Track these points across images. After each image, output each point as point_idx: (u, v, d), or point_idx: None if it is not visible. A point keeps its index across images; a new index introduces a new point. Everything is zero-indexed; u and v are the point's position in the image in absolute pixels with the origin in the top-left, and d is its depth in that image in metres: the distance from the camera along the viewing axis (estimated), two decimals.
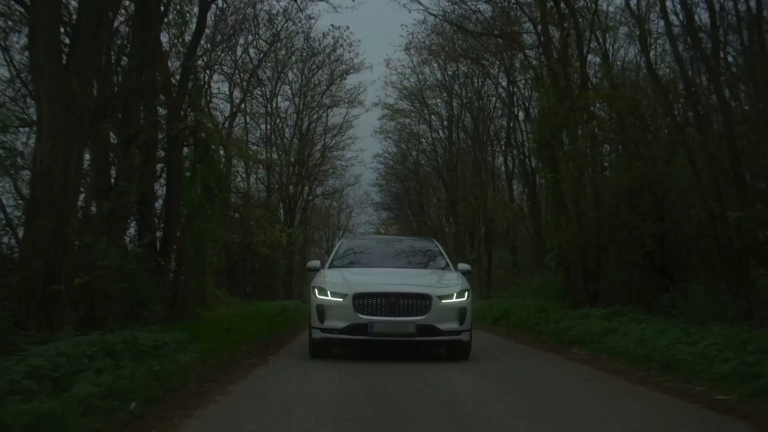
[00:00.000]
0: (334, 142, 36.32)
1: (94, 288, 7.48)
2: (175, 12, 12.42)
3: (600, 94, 11.82)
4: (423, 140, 36.29)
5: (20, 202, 8.82)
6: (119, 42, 9.98)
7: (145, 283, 8.83)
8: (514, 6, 16.56)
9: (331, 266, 9.80)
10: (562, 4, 14.29)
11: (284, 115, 32.42)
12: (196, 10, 12.83)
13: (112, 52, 9.34)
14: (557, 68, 14.21)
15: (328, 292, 8.63)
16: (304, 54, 29.69)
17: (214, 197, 13.85)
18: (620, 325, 9.66)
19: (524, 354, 9.82)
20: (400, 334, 8.33)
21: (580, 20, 14.79)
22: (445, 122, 33.47)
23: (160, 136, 11.20)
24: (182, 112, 11.99)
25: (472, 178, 28.82)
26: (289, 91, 32.30)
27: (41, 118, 7.24)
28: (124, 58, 10.29)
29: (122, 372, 5.13)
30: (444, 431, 4.44)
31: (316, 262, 10.05)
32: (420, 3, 17.65)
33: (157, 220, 11.97)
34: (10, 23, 9.32)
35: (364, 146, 45.23)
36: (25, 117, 9.08)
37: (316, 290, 8.81)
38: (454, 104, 31.08)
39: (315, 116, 33.71)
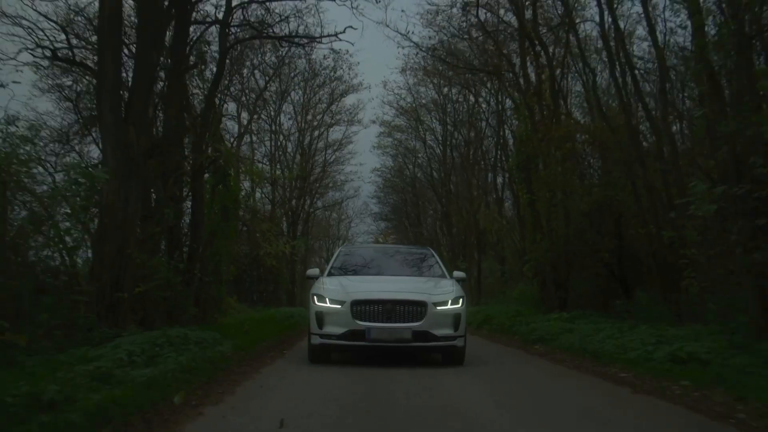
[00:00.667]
0: (334, 157, 38.27)
1: (148, 296, 9.41)
2: (197, 55, 14.41)
3: (560, 131, 13.74)
4: (419, 155, 38.18)
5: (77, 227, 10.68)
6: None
7: (182, 291, 10.76)
8: (491, 46, 18.57)
9: (330, 274, 10.07)
10: (538, 47, 16.27)
11: (287, 133, 34.31)
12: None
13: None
14: (531, 102, 16.20)
15: (327, 299, 8.89)
16: (306, 75, 31.55)
17: (230, 216, 15.80)
18: (576, 326, 11.53)
19: (497, 351, 11.69)
20: (396, 340, 8.56)
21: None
22: (439, 138, 35.40)
23: (187, 167, 13.10)
24: (204, 144, 13.93)
25: (466, 192, 30.71)
26: (292, 110, 34.24)
27: (107, 161, 9.19)
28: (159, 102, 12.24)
29: (185, 357, 7.04)
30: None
31: (315, 270, 10.40)
32: (410, 40, 19.60)
33: (183, 238, 13.87)
34: (80, 86, 11.26)
35: (363, 160, 47.05)
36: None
37: (315, 297, 9.07)
38: (448, 122, 32.98)
39: (316, 133, 35.62)
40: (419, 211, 42.83)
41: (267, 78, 27.99)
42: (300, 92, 33.41)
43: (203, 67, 14.13)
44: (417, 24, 20.32)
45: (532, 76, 16.92)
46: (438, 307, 8.71)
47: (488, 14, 17.97)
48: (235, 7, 14.25)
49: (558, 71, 16.48)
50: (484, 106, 28.19)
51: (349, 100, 32.35)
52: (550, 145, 14.00)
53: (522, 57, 17.00)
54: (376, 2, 17.13)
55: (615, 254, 14.17)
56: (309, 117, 34.40)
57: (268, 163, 32.61)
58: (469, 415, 5.29)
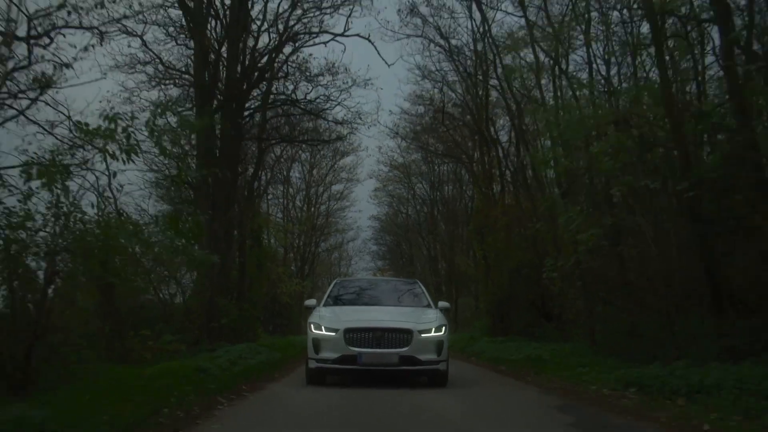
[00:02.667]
0: (337, 205, 44.28)
1: (231, 324, 15.34)
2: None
3: (492, 213, 19.69)
4: (410, 205, 44.19)
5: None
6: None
7: (241, 322, 16.69)
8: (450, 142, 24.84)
9: (326, 304, 10.91)
10: (489, 142, 22.35)
11: (296, 188, 40.25)
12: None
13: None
14: (482, 184, 22.24)
15: (323, 327, 9.67)
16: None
17: (263, 268, 21.80)
18: (503, 345, 17.25)
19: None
20: (385, 364, 9.33)
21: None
22: (427, 191, 41.38)
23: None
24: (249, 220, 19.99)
25: (447, 240, 36.62)
26: (301, 167, 40.17)
27: (203, 244, 15.13)
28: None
29: (260, 358, 12.87)
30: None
31: (312, 301, 11.39)
32: (397, 133, 25.80)
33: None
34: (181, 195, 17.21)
35: (362, 207, 52.45)
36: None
37: (312, 325, 9.91)
38: (433, 180, 38.99)
39: (321, 188, 41.62)
40: (412, 251, 48.59)
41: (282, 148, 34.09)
42: (308, 153, 39.42)
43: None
44: (401, 119, 25.82)
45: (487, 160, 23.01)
46: (423, 335, 9.51)
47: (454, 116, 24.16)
48: (270, 122, 20.39)
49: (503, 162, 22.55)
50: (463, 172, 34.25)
51: (350, 159, 38.29)
52: (489, 219, 19.94)
53: (480, 152, 23.09)
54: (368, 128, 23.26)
55: (539, 295, 19.99)
56: (314, 176, 40.45)
57: (281, 214, 38.62)
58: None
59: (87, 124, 8.02)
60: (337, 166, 40.37)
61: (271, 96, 19.68)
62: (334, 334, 9.53)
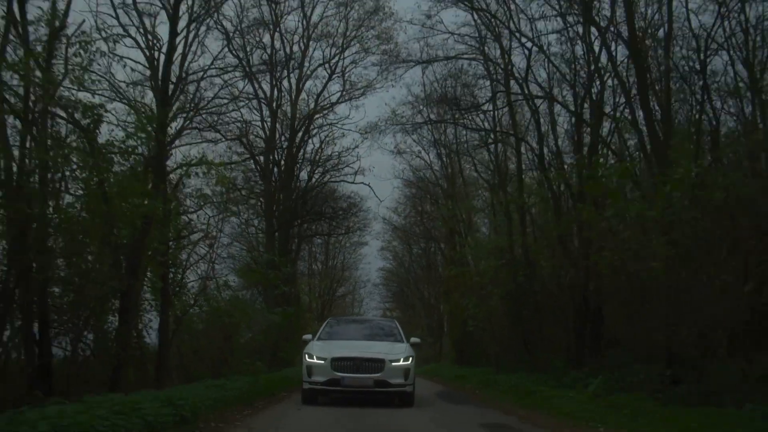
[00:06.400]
0: (351, 257, 54.82)
1: (285, 356, 25.96)
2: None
3: (453, 281, 30.25)
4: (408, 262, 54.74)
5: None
6: None
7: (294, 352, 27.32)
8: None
9: (319, 338, 12.92)
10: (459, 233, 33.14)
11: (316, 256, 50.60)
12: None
13: None
14: (447, 258, 32.94)
15: (314, 356, 11.60)
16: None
17: (301, 317, 32.43)
18: (463, 371, 27.54)
19: (420, 381, 27.84)
20: (362, 386, 11.38)
21: None
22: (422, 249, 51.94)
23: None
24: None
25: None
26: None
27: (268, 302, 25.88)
28: None
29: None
30: None
31: (308, 336, 13.21)
32: (391, 223, 36.73)
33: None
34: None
35: (370, 260, 62.61)
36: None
37: (306, 355, 11.74)
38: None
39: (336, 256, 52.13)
40: (413, 297, 58.92)
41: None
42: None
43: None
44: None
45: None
46: (393, 363, 11.42)
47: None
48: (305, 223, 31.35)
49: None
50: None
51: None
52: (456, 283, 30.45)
53: (448, 240, 33.88)
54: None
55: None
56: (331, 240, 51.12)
57: (305, 269, 49.19)
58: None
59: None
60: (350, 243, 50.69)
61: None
62: (323, 362, 11.55)
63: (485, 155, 26.76)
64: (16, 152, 10.88)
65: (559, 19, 15.96)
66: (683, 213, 9.75)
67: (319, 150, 30.40)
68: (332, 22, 27.84)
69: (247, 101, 26.43)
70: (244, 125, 27.06)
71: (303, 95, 28.91)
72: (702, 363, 9.91)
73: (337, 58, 28.33)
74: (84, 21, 15.29)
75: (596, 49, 15.74)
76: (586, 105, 17.11)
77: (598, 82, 16.27)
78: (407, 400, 11.81)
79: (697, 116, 13.63)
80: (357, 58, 28.34)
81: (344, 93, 29.24)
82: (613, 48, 15.21)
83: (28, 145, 11.10)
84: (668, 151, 11.19)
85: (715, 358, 9.78)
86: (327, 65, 28.58)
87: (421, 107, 25.46)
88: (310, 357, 11.79)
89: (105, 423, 5.85)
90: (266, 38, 26.83)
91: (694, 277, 10.02)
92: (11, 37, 11.08)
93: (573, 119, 17.53)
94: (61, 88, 11.70)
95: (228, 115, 24.49)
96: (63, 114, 11.89)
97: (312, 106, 29.14)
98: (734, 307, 9.24)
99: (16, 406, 6.92)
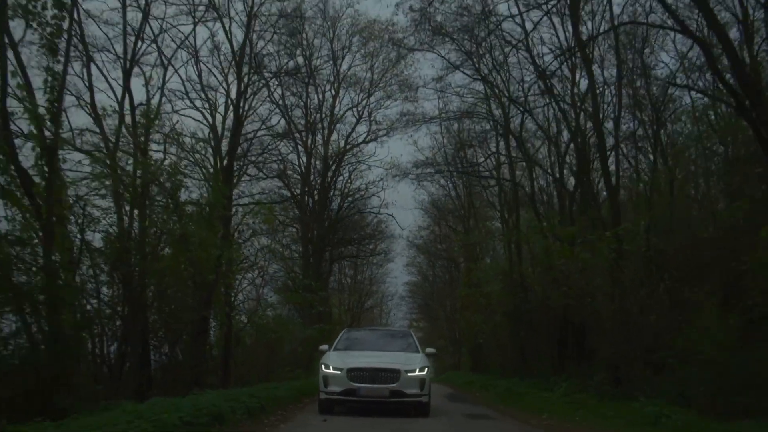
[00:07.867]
0: (379, 272, 58.77)
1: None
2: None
3: (466, 299, 33.99)
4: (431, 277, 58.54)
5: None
6: None
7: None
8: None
9: (336, 349, 12.98)
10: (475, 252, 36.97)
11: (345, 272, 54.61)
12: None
13: None
14: (464, 278, 36.78)
15: (331, 367, 11.69)
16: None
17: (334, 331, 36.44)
18: (473, 377, 31.28)
19: (436, 387, 31.63)
20: (378, 396, 11.39)
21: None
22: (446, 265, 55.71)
23: None
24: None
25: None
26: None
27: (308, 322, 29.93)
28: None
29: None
30: None
31: (324, 346, 13.37)
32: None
33: None
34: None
35: (397, 274, 66.31)
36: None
37: (323, 365, 11.87)
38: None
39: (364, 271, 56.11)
40: (438, 310, 62.53)
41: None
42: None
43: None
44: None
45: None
46: (409, 373, 11.49)
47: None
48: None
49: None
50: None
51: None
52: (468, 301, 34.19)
53: (466, 259, 37.73)
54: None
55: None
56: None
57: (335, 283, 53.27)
58: None
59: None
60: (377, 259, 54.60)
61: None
62: (339, 372, 11.54)
63: (494, 190, 30.83)
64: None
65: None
66: (610, 262, 13.60)
67: (348, 182, 34.68)
68: (359, 72, 32.27)
69: (286, 145, 30.88)
70: (282, 163, 31.41)
71: (334, 135, 33.38)
72: (626, 371, 13.70)
73: (364, 102, 32.82)
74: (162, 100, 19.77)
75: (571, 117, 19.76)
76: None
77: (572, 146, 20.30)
78: (423, 410, 11.87)
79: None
80: (382, 105, 32.94)
81: (370, 133, 33.57)
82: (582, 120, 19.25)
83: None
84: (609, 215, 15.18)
85: (633, 367, 13.54)
86: (355, 109, 33.06)
87: (436, 150, 29.66)
88: (327, 367, 11.95)
89: (225, 404, 9.74)
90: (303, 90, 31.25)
91: (621, 309, 13.80)
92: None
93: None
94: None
95: (268, 154, 28.82)
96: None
97: (342, 144, 33.55)
98: (643, 332, 13.02)
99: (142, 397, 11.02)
